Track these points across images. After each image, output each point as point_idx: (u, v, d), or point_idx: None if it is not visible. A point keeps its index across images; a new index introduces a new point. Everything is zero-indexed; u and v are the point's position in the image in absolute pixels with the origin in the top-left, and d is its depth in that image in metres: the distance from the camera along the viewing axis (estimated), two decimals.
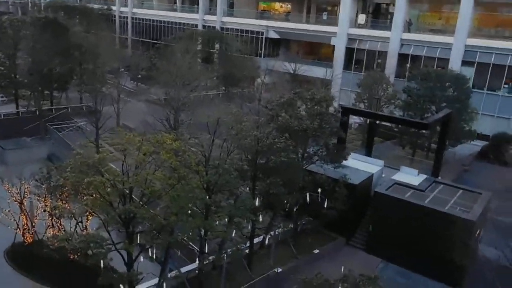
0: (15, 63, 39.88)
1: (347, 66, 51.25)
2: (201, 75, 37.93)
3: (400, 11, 45.63)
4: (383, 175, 26.29)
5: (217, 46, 58.00)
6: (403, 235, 21.70)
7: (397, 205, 22.00)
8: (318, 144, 20.48)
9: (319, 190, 20.29)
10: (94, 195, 14.93)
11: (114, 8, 79.76)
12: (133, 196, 15.43)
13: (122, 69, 54.11)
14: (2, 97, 41.41)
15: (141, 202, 15.31)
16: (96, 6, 78.12)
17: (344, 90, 49.38)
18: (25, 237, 23.35)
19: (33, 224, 23.18)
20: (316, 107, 19.98)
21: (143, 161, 14.63)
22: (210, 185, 16.29)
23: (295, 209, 21.00)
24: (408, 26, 46.05)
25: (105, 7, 77.89)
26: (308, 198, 20.67)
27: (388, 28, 49.01)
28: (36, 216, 23.15)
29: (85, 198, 15.68)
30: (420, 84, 32.55)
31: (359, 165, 25.29)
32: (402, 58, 46.13)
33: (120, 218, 15.11)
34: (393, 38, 46.13)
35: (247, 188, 19.00)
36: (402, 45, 46.03)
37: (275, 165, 17.77)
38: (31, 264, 22.75)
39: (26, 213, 22.93)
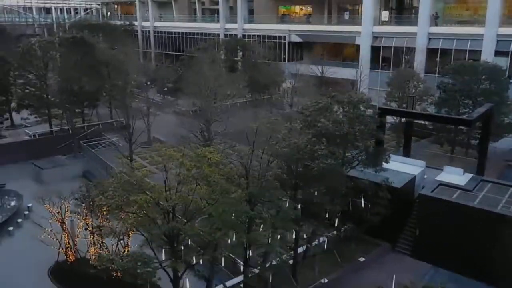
0: (46, 84, 40.69)
1: (373, 65, 50.20)
2: (229, 84, 37.59)
3: (425, 5, 44.41)
4: (425, 176, 25.30)
5: (240, 53, 57.93)
6: (453, 239, 20.74)
7: (444, 208, 21.05)
8: (357, 148, 19.79)
9: (362, 195, 19.56)
10: (138, 213, 14.74)
11: (136, 23, 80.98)
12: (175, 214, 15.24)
13: (148, 83, 54.66)
14: (36, 117, 42.25)
15: (184, 219, 15.06)
16: (118, 22, 79.54)
17: (372, 89, 48.33)
18: (68, 256, 23.60)
19: (75, 242, 23.39)
20: (353, 110, 19.35)
21: (187, 177, 14.32)
22: (252, 197, 15.90)
23: (337, 216, 20.34)
24: (435, 20, 44.74)
25: (127, 22, 79.17)
26: (350, 204, 19.98)
27: (414, 23, 47.78)
28: (77, 235, 23.35)
29: (129, 216, 15.52)
30: (454, 78, 31.33)
31: (400, 167, 24.39)
32: (431, 53, 44.83)
33: (165, 235, 14.90)
34: (420, 33, 44.91)
35: (287, 198, 18.50)
36: (429, 39, 44.75)
37: (318, 173, 17.17)
38: (74, 282, 22.97)
39: (67, 232, 23.13)
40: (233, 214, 15.01)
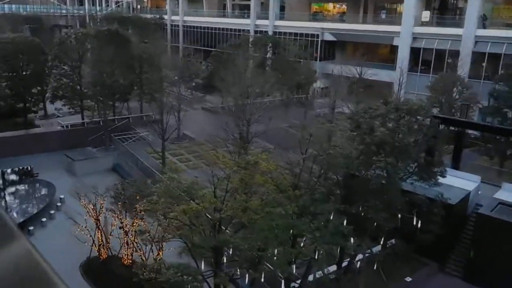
0: (80, 75, 40.40)
1: (412, 67, 48.26)
2: (265, 82, 36.46)
3: (473, 6, 42.28)
4: (479, 192, 23.54)
5: (270, 50, 56.72)
6: None
7: (506, 230, 19.27)
8: (415, 160, 18.25)
9: (414, 211, 18.04)
10: (184, 222, 13.73)
11: (165, 17, 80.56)
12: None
13: (176, 77, 54.13)
14: (69, 108, 42.03)
15: (230, 230, 14.02)
16: (148, 16, 79.30)
17: (410, 93, 46.46)
18: (100, 253, 22.99)
19: (108, 240, 22.72)
20: (413, 118, 17.90)
21: (239, 186, 13.22)
22: (304, 211, 14.72)
23: (384, 232, 18.93)
24: (483, 22, 42.56)
25: (157, 16, 78.88)
26: (399, 220, 18.54)
27: (458, 24, 45.74)
28: (110, 233, 22.68)
29: (172, 223, 14.52)
30: (510, 86, 29.36)
31: (453, 181, 22.50)
32: (477, 57, 42.70)
33: (211, 247, 13.89)
34: (466, 36, 42.81)
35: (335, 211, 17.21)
36: (476, 42, 42.61)
37: (374, 187, 15.82)
38: (105, 279, 22.37)
39: (101, 229, 22.49)
40: (283, 228, 13.82)
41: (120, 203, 21.13)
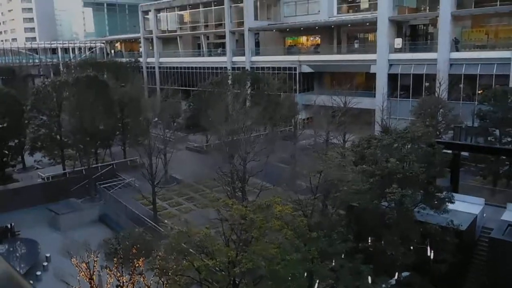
0: (60, 124, 39.23)
1: (391, 93, 49.03)
2: (250, 118, 36.08)
3: (445, 30, 43.68)
4: (484, 215, 23.24)
5: (249, 86, 56.88)
6: None
7: None
8: (424, 188, 17.79)
9: (427, 241, 17.42)
10: (198, 280, 12.68)
11: (141, 59, 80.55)
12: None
13: (156, 119, 53.45)
14: (49, 159, 40.50)
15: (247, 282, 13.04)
16: (124, 60, 79.10)
17: (392, 119, 46.89)
18: None
19: None
20: (416, 146, 17.64)
21: (255, 235, 12.33)
22: (322, 253, 13.95)
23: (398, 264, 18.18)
24: (456, 45, 43.90)
25: (132, 59, 78.81)
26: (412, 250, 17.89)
27: (430, 49, 47.08)
28: None
29: (181, 280, 13.44)
30: (494, 105, 29.86)
31: (457, 206, 22.10)
32: (453, 79, 43.72)
33: None
34: (441, 59, 43.95)
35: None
36: (451, 65, 43.77)
37: (390, 220, 15.23)
38: None
39: None
40: (304, 276, 12.94)
41: (115, 259, 19.78)
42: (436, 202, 18.14)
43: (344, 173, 15.37)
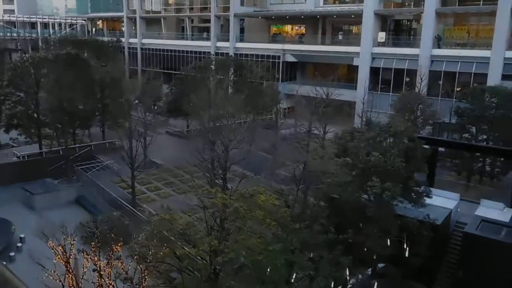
0: (37, 102, 38.26)
1: (372, 87, 49.58)
2: (232, 105, 35.96)
3: (428, 27, 44.28)
4: (458, 210, 23.95)
5: (232, 73, 56.56)
6: (503, 282, 19.14)
7: (493, 248, 19.44)
8: (405, 183, 18.17)
9: (404, 234, 17.88)
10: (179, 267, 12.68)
11: (123, 39, 78.88)
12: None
13: (137, 101, 52.75)
14: (26, 137, 39.55)
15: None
16: (105, 39, 77.27)
17: (372, 112, 47.51)
18: None
19: (80, 284, 20.92)
20: (399, 140, 17.95)
21: (243, 226, 12.40)
22: (304, 244, 14.17)
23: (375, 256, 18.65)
24: (438, 42, 44.59)
25: (114, 39, 77.04)
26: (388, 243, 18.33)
27: (413, 44, 47.72)
28: (83, 276, 20.93)
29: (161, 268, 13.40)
30: (472, 103, 30.60)
31: (433, 200, 22.63)
32: (434, 75, 44.50)
33: None
34: (423, 55, 44.63)
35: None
36: (432, 61, 44.50)
37: (370, 214, 15.55)
38: None
39: (72, 273, 20.73)
40: (285, 266, 13.12)
41: (93, 243, 19.58)
42: (414, 196, 18.62)
43: (327, 165, 15.55)
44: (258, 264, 12.52)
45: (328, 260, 14.65)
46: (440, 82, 44.23)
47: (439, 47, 44.53)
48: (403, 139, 18.07)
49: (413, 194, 18.65)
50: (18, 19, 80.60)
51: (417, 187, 19.00)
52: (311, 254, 14.72)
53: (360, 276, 18.37)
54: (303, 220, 14.35)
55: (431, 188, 23.85)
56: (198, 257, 12.39)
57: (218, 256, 12.29)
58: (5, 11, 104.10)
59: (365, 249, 16.90)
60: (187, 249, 12.26)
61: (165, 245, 12.52)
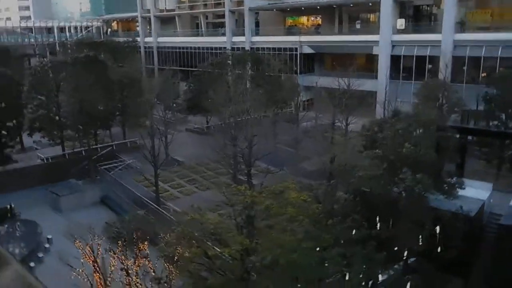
0: (58, 105, 38.62)
1: (393, 75, 48.45)
2: (252, 99, 35.58)
3: (450, 11, 42.92)
4: (491, 200, 23.04)
5: (249, 67, 56.10)
6: None
7: None
8: (437, 174, 17.49)
9: (438, 227, 17.23)
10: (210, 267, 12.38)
11: (138, 39, 79.21)
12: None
13: (157, 100, 52.85)
14: (49, 140, 40.00)
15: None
16: (121, 39, 77.69)
17: (392, 101, 46.43)
18: None
19: (108, 284, 20.96)
20: (428, 130, 17.27)
21: (276, 223, 12.01)
22: (337, 241, 13.68)
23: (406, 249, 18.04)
24: (461, 26, 43.22)
25: (130, 39, 77.40)
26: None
27: (434, 30, 46.42)
28: (110, 275, 20.95)
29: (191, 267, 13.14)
30: (501, 88, 29.42)
31: (465, 191, 21.75)
32: (457, 61, 43.15)
33: None
34: (445, 41, 43.32)
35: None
36: (455, 47, 43.15)
37: (404, 207, 14.95)
38: None
39: (100, 273, 20.78)
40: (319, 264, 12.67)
41: (120, 242, 19.54)
42: (446, 187, 17.94)
43: (356, 158, 15.04)
44: (292, 262, 12.13)
45: (361, 256, 14.19)
46: (465, 68, 42.90)
47: (463, 32, 43.11)
48: (434, 129, 17.39)
49: (445, 185, 17.95)
50: (35, 25, 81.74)
51: (449, 178, 18.28)
52: (343, 250, 14.25)
53: (392, 273, 17.84)
54: (334, 215, 13.89)
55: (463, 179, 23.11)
56: (230, 257, 12.08)
57: (250, 255, 11.96)
58: (21, 18, 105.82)
59: (398, 243, 16.33)
60: (218, 249, 11.95)
61: (196, 244, 12.23)
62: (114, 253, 19.48)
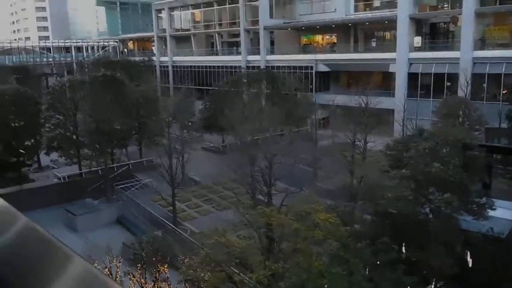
0: (76, 124, 38.84)
1: (410, 93, 47.87)
2: (269, 118, 35.34)
3: (468, 28, 42.52)
4: None
5: (264, 85, 56.07)
6: None
7: None
8: (463, 193, 16.86)
9: (467, 249, 16.51)
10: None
11: (154, 58, 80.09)
12: None
13: (173, 119, 52.99)
14: (66, 159, 40.12)
15: None
16: (137, 58, 78.69)
17: (410, 119, 45.73)
18: None
19: None
20: (456, 149, 16.72)
21: (306, 247, 11.56)
22: (366, 264, 13.16)
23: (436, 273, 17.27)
24: (481, 43, 42.68)
25: (146, 58, 78.35)
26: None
27: (452, 47, 45.96)
28: None
29: None
30: None
31: (495, 212, 21.01)
32: (476, 78, 42.47)
33: None
34: (464, 58, 42.75)
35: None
36: (474, 64, 42.55)
37: (433, 229, 14.37)
38: None
39: None
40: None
41: (139, 265, 19.14)
42: (475, 208, 17.23)
43: (382, 178, 14.51)
44: None
45: (390, 280, 13.53)
46: (484, 85, 42.17)
47: (483, 49, 42.55)
48: (460, 148, 16.81)
49: (474, 206, 17.24)
50: (53, 44, 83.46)
51: (478, 198, 17.59)
52: (370, 274, 13.63)
53: None
54: (362, 238, 13.33)
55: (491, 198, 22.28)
56: (256, 282, 11.56)
57: (277, 280, 11.43)
58: (40, 38, 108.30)
59: (426, 266, 15.61)
60: (242, 275, 11.45)
61: (221, 269, 11.75)
62: (134, 276, 19.03)
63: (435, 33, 51.93)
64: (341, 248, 12.12)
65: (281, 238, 12.06)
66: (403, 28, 47.57)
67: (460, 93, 41.27)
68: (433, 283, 17.46)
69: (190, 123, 57.64)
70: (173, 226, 29.02)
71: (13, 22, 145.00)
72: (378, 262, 13.30)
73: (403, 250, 15.05)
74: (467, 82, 38.52)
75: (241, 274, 11.67)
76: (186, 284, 13.60)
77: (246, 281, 11.26)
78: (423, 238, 14.94)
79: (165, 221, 29.91)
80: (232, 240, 13.28)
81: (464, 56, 42.72)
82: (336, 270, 11.73)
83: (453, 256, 15.87)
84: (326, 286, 11.59)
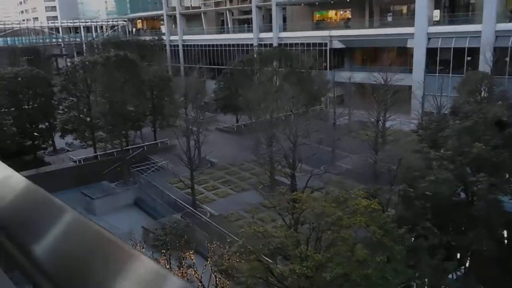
0: (90, 106, 38.32)
1: (429, 69, 46.51)
2: (285, 97, 34.50)
3: (490, 0, 40.76)
4: None
5: (276, 63, 54.89)
6: None
7: None
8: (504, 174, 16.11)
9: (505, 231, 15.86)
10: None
11: (164, 37, 78.89)
12: None
13: (186, 99, 52.24)
14: (80, 142, 39.78)
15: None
16: (146, 38, 77.55)
17: (429, 95, 44.53)
18: None
19: None
20: (496, 128, 15.88)
21: (349, 236, 10.94)
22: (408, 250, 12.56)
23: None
24: (511, 16, 40.99)
25: (156, 37, 77.20)
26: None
27: (472, 21, 44.30)
28: None
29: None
30: None
31: None
32: (499, 52, 40.96)
33: None
34: (486, 31, 41.18)
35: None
36: (497, 37, 40.98)
37: (477, 213, 13.66)
38: None
39: None
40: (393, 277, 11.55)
41: (163, 251, 18.75)
42: None
43: (417, 159, 13.80)
44: (365, 277, 11.04)
45: (432, 266, 12.99)
46: (507, 59, 40.69)
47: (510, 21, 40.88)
48: (499, 126, 15.96)
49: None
50: (62, 24, 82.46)
51: None
52: (412, 260, 13.09)
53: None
54: (403, 223, 12.74)
55: None
56: (297, 274, 11.03)
57: (320, 272, 10.91)
58: (48, 18, 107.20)
59: (465, 250, 15.05)
60: (280, 267, 10.94)
61: (256, 258, 11.25)
62: (159, 263, 18.67)
63: (455, 6, 50.08)
64: (384, 235, 11.56)
65: (320, 227, 11.48)
66: (422, 1, 45.85)
67: (482, 68, 39.97)
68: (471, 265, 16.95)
69: (203, 103, 57.11)
70: (192, 209, 28.67)
71: (21, 2, 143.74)
72: (419, 248, 12.76)
73: (443, 234, 14.45)
74: (492, 56, 37.07)
75: (278, 266, 11.14)
76: (215, 274, 13.17)
77: (286, 273, 10.74)
78: (464, 221, 14.31)
79: (183, 203, 29.55)
80: (269, 230, 12.71)
81: (486, 29, 41.13)
82: (381, 258, 11.19)
83: (492, 238, 15.27)
84: (370, 275, 11.07)
